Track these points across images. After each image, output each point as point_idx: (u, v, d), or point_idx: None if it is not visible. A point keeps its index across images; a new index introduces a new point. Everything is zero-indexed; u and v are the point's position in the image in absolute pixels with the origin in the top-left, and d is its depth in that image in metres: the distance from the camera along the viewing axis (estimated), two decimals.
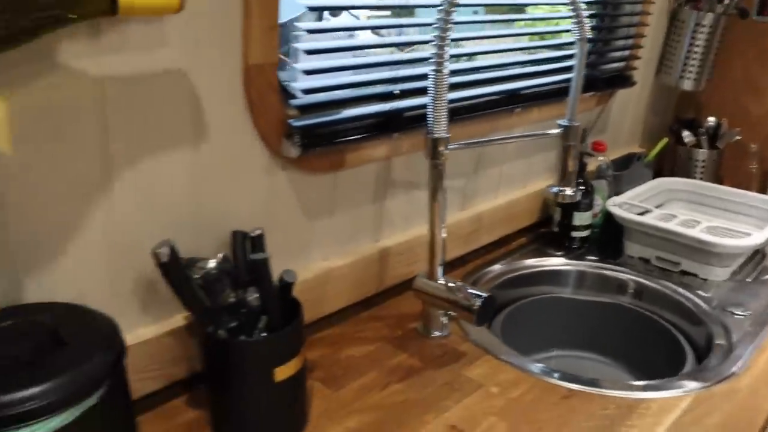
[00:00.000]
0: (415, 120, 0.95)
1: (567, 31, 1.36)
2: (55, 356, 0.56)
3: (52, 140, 0.64)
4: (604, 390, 0.87)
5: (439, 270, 0.95)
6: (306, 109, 0.83)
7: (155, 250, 0.63)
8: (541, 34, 1.32)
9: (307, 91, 0.82)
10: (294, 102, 0.81)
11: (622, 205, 1.30)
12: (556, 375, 0.90)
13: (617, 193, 1.36)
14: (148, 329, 0.78)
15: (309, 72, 0.80)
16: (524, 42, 1.23)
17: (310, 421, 0.80)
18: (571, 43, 1.28)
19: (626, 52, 1.49)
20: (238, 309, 0.73)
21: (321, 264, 0.96)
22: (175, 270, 0.65)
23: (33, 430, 0.52)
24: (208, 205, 0.79)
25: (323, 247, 0.96)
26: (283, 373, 0.73)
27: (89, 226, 0.70)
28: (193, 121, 0.74)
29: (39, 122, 0.63)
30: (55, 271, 0.68)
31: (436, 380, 0.88)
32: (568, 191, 1.09)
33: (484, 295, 0.90)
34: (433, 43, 0.83)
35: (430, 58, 0.84)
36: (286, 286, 0.76)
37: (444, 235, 0.94)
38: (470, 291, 0.92)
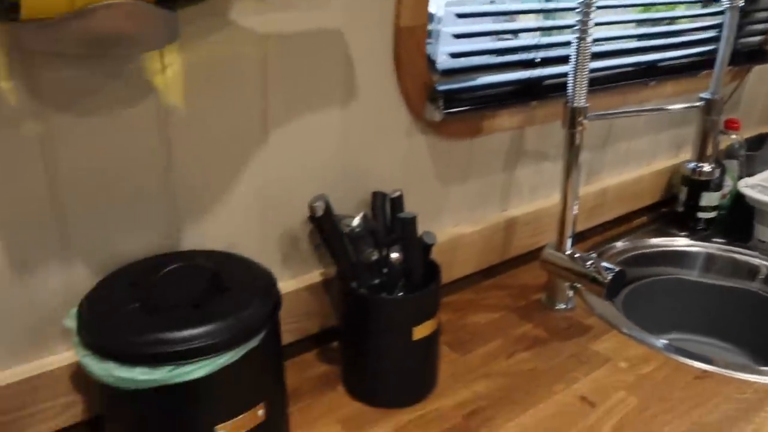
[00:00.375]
0: (554, 89, 0.93)
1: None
2: (219, 300, 0.59)
3: (218, 93, 0.67)
4: (740, 374, 0.84)
5: (569, 242, 0.94)
6: (450, 74, 0.83)
7: (312, 203, 0.65)
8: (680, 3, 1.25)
9: (453, 56, 0.81)
10: (439, 66, 0.81)
11: (755, 187, 1.23)
12: (688, 354, 0.87)
13: (749, 175, 1.29)
14: (287, 283, 0.81)
15: (457, 36, 0.79)
16: (664, 11, 1.17)
17: (438, 383, 0.82)
18: (714, 14, 1.21)
19: (766, 25, 1.40)
20: (380, 267, 0.75)
21: (452, 230, 0.97)
22: (328, 224, 0.67)
23: (201, 366, 0.55)
24: (352, 164, 0.81)
25: (454, 213, 0.96)
26: (420, 332, 0.74)
27: (245, 179, 0.73)
28: (344, 81, 0.75)
29: (208, 76, 0.65)
30: (211, 220, 0.72)
31: (563, 352, 0.88)
32: (706, 167, 1.05)
33: (616, 269, 0.88)
34: (578, 10, 0.81)
35: (574, 26, 0.82)
36: (425, 247, 0.77)
37: (576, 207, 0.92)
38: (602, 264, 0.90)
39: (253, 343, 0.57)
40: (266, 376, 0.61)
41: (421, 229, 0.89)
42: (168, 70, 0.62)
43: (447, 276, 0.97)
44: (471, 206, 0.98)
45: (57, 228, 0.62)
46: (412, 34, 0.76)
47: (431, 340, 0.76)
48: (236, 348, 0.57)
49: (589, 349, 0.88)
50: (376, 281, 0.74)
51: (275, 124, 0.72)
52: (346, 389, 0.79)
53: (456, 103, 0.83)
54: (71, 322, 0.58)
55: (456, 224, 0.98)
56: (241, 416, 0.59)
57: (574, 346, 0.89)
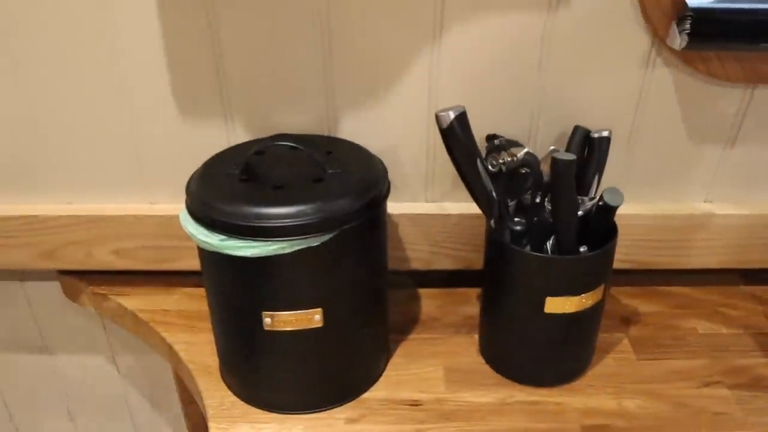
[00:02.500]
0: None
1: None
2: (304, 189, 0.56)
3: None
4: None
5: None
6: None
7: (438, 112, 0.56)
8: None
9: None
10: None
11: None
12: None
13: None
14: (457, 205, 0.73)
15: None
16: None
17: (585, 374, 0.66)
18: None
19: None
20: (531, 214, 0.62)
21: (699, 205, 0.74)
22: (455, 140, 0.56)
23: (249, 246, 0.53)
24: (553, 87, 0.66)
25: (708, 185, 0.73)
26: (555, 306, 0.60)
27: (411, 74, 0.65)
28: None
29: None
30: (370, 113, 0.68)
31: None
32: None
33: None
34: None
35: None
36: (605, 208, 0.60)
37: None
38: None
39: (312, 241, 0.53)
40: (329, 281, 0.56)
41: (647, 192, 0.71)
42: None
43: (675, 261, 0.76)
44: (738, 182, 0.72)
45: (220, 88, 0.66)
46: None
47: (576, 320, 0.61)
48: (289, 241, 0.53)
49: None
50: (518, 228, 0.61)
51: (453, 19, 0.62)
52: (479, 343, 0.70)
53: (714, 30, 0.59)
54: None
55: (709, 199, 0.74)
56: (291, 312, 0.56)
57: None
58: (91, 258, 0.76)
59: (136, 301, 0.77)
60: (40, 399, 0.99)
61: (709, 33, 0.60)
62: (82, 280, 0.80)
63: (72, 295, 0.82)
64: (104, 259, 0.76)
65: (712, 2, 0.60)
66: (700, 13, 0.59)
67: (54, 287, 0.85)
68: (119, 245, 0.75)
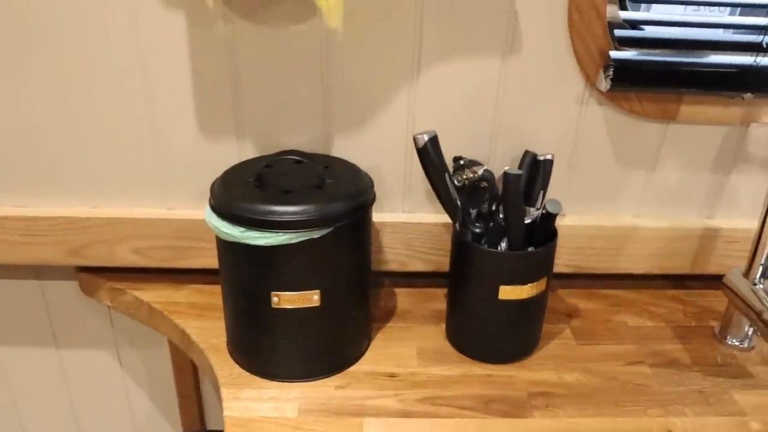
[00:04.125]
0: None
1: None
2: (307, 194, 0.69)
3: (374, 23, 0.75)
4: None
5: (759, 270, 0.78)
6: (634, 43, 0.75)
7: (416, 135, 0.70)
8: None
9: (638, 24, 0.74)
10: (620, 33, 0.74)
11: None
12: None
13: None
14: (428, 215, 0.87)
15: (638, 0, 0.72)
16: None
17: (533, 355, 0.80)
18: None
19: None
20: (488, 220, 0.76)
21: (629, 218, 0.89)
22: (429, 159, 0.71)
23: (264, 236, 0.66)
24: (508, 120, 0.81)
25: (636, 202, 0.88)
26: (508, 293, 0.74)
27: (393, 108, 0.80)
28: (507, 32, 0.75)
29: (367, 6, 0.74)
30: (359, 137, 0.82)
31: (692, 384, 0.76)
32: None
33: None
34: None
35: None
36: (547, 215, 0.75)
37: None
38: None
39: (314, 233, 0.67)
40: (326, 268, 0.70)
41: (589, 206, 0.88)
42: None
43: (611, 265, 0.91)
44: (661, 200, 0.88)
45: (234, 111, 0.80)
46: None
47: (524, 306, 0.75)
48: (296, 233, 0.66)
49: (727, 393, 0.75)
50: (477, 230, 0.76)
51: (428, 61, 0.77)
52: (446, 330, 0.83)
53: (633, 76, 0.75)
54: None
55: (636, 215, 0.89)
56: (295, 293, 0.69)
57: (711, 384, 0.76)
58: (112, 256, 0.87)
59: (150, 294, 0.88)
60: (44, 391, 1.09)
61: (628, 79, 0.76)
62: (100, 276, 0.91)
63: (89, 290, 0.93)
64: (125, 257, 0.87)
65: (634, 54, 0.77)
66: (620, 62, 0.75)
67: (70, 286, 0.97)
68: (138, 245, 0.87)
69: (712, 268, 0.91)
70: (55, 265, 0.90)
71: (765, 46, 0.75)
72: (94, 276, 0.92)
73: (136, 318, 0.91)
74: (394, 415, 0.70)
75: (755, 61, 0.76)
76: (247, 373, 0.75)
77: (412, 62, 0.77)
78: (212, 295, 0.86)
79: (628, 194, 0.87)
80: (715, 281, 0.85)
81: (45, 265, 0.92)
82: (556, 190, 0.85)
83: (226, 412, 0.70)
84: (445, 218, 0.79)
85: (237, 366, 0.76)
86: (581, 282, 0.94)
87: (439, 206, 0.76)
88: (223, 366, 0.76)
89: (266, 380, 0.74)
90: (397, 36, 0.75)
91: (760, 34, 0.76)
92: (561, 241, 0.87)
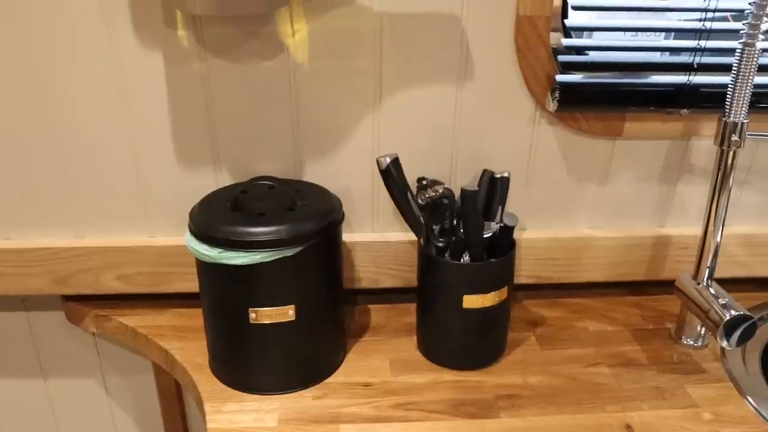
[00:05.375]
0: (714, 99, 0.83)
1: None
2: (280, 215, 0.74)
3: (337, 58, 0.81)
4: None
5: (706, 272, 0.84)
6: (577, 67, 0.82)
7: (378, 158, 0.76)
8: None
9: (580, 49, 0.81)
10: (563, 58, 0.81)
11: None
12: None
13: None
14: (396, 234, 0.93)
15: (580, 29, 0.79)
16: None
17: (500, 361, 0.85)
18: None
19: None
20: (450, 234, 0.81)
21: (584, 230, 0.95)
22: (392, 179, 0.76)
23: (240, 256, 0.71)
24: (465, 140, 0.87)
25: (590, 215, 0.94)
26: (471, 302, 0.79)
27: (359, 135, 0.86)
28: (460, 62, 0.82)
29: (330, 43, 0.80)
30: (328, 163, 0.87)
31: (650, 381, 0.81)
32: None
33: (739, 313, 0.77)
34: (749, 11, 0.72)
35: (740, 30, 0.73)
36: (505, 228, 0.80)
37: (720, 235, 0.82)
38: (730, 305, 0.79)
39: (287, 252, 0.72)
40: (300, 284, 0.74)
41: (546, 220, 0.93)
42: (297, 34, 0.79)
43: (571, 275, 0.96)
44: (614, 212, 0.94)
45: (210, 142, 0.85)
46: (531, 23, 0.78)
47: (488, 314, 0.80)
48: (270, 252, 0.71)
49: (681, 388, 0.80)
50: (442, 244, 0.81)
51: (390, 90, 0.83)
52: (417, 341, 0.88)
53: (578, 96, 0.82)
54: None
55: (592, 226, 0.95)
56: (271, 308, 0.74)
57: (667, 381, 0.81)
58: (98, 283, 0.91)
59: (134, 319, 0.92)
60: (32, 421, 1.11)
61: (574, 100, 0.83)
62: (86, 305, 0.95)
63: (75, 319, 0.96)
64: (110, 284, 0.91)
65: (578, 77, 0.84)
66: (565, 85, 0.81)
67: (55, 316, 1.00)
68: (123, 272, 0.91)
69: (666, 274, 0.97)
70: (41, 295, 0.94)
71: (696, 66, 0.82)
72: (80, 304, 0.95)
73: (121, 343, 0.95)
74: (369, 420, 0.74)
75: (689, 80, 0.83)
76: (229, 389, 0.79)
77: (374, 91, 0.83)
78: (193, 317, 0.90)
79: (583, 207, 0.93)
80: (670, 286, 0.91)
81: (31, 296, 0.95)
82: (514, 206, 0.90)
83: (209, 425, 0.73)
84: (413, 236, 0.84)
85: (219, 382, 0.80)
86: (545, 292, 0.99)
87: (406, 225, 0.82)
88: (205, 382, 0.80)
89: (247, 393, 0.78)
90: (359, 68, 0.82)
91: (691, 56, 0.83)
92: (523, 254, 0.93)
